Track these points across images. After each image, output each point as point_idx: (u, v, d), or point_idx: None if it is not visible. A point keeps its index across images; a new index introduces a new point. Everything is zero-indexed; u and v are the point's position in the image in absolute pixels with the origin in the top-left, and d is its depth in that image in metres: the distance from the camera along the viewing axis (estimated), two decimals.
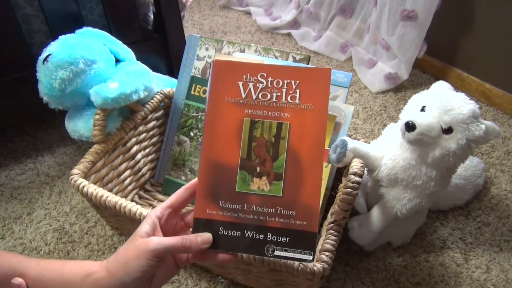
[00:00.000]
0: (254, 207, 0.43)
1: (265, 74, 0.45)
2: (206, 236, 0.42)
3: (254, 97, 0.44)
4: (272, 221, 0.43)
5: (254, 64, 0.46)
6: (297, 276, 0.56)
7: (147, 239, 0.40)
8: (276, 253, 0.43)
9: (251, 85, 0.45)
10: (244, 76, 0.45)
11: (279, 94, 0.44)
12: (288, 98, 0.44)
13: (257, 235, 0.43)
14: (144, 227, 0.42)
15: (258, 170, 0.44)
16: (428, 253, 0.80)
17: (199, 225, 0.43)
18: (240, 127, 0.44)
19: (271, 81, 0.45)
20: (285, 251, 0.43)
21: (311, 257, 0.42)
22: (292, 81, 0.44)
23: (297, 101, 0.44)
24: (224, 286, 0.75)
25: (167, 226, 0.45)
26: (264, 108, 0.44)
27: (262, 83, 0.45)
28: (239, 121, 0.44)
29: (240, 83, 0.45)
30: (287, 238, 0.42)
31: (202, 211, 0.43)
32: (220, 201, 0.43)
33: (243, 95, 0.44)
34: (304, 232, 0.42)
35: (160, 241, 0.40)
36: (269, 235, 0.43)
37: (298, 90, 0.44)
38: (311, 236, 0.42)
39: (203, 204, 0.43)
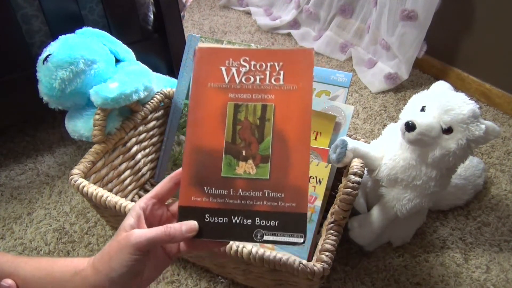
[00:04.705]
0: (241, 192, 0.42)
1: (247, 58, 0.44)
2: (191, 223, 0.41)
3: (237, 81, 0.44)
4: (259, 205, 0.41)
5: (236, 49, 0.45)
6: (297, 276, 0.56)
7: (128, 233, 0.39)
8: (266, 238, 0.41)
9: (234, 69, 0.44)
10: (227, 61, 0.44)
11: (262, 76, 0.44)
12: (272, 80, 0.43)
13: (244, 220, 0.41)
14: (129, 220, 0.41)
15: (243, 153, 0.42)
16: (428, 253, 0.80)
17: (184, 214, 0.42)
18: (224, 111, 0.43)
19: (254, 64, 0.44)
20: (275, 235, 0.41)
21: (302, 240, 0.41)
22: (275, 63, 0.44)
23: (281, 82, 0.43)
24: (224, 286, 0.75)
25: (153, 217, 0.44)
26: (247, 91, 0.43)
27: (245, 67, 0.44)
28: (223, 105, 0.43)
29: (223, 68, 0.44)
30: (276, 222, 0.41)
31: (186, 199, 0.42)
32: (205, 187, 0.42)
33: (226, 80, 0.44)
34: (293, 214, 0.41)
35: (141, 234, 0.39)
36: (257, 219, 0.41)
37: (281, 72, 0.43)
38: (301, 218, 0.41)
39: (188, 191, 0.42)
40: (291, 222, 0.41)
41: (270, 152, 0.42)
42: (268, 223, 0.41)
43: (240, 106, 0.43)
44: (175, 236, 0.40)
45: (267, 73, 0.44)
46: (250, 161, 0.42)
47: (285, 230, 0.41)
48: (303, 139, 0.42)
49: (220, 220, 0.42)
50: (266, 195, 0.42)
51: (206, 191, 0.42)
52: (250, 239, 0.41)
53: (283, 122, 0.42)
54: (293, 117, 0.42)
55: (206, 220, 0.42)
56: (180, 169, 0.43)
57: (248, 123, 0.43)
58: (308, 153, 0.42)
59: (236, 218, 0.41)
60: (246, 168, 0.42)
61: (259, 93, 0.43)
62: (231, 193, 0.42)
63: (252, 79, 0.44)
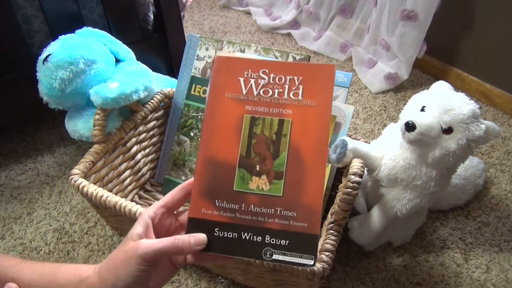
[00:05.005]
0: (253, 207, 0.41)
1: (267, 71, 0.43)
2: (200, 237, 0.40)
3: (255, 93, 0.43)
4: (271, 222, 0.40)
5: (256, 60, 0.45)
6: (297, 276, 0.56)
7: (136, 243, 0.39)
8: (275, 257, 0.40)
9: (252, 81, 0.43)
10: (246, 72, 0.44)
11: (281, 90, 0.43)
12: (291, 95, 0.43)
13: (254, 237, 0.40)
14: (136, 229, 0.40)
15: (257, 168, 0.42)
16: (428, 253, 0.80)
17: (194, 226, 0.41)
18: (240, 123, 0.42)
19: (273, 77, 0.43)
20: (284, 255, 0.40)
21: (312, 262, 0.40)
22: (295, 78, 0.43)
23: (299, 97, 0.42)
24: (224, 286, 0.75)
25: (161, 227, 0.43)
26: (265, 104, 0.43)
27: (264, 79, 0.43)
28: (239, 117, 0.42)
29: (241, 79, 0.43)
30: (287, 241, 0.40)
31: (197, 211, 0.41)
32: (216, 201, 0.41)
33: (244, 91, 0.43)
34: (305, 234, 0.40)
35: (149, 244, 0.38)
36: (268, 237, 0.40)
37: (301, 87, 0.43)
38: (312, 239, 0.40)
39: (199, 203, 0.41)
40: (302, 243, 0.40)
41: (285, 169, 0.41)
42: (278, 241, 0.40)
43: (256, 119, 0.42)
44: (183, 248, 0.39)
45: (286, 87, 0.43)
46: (264, 177, 0.41)
47: (295, 250, 0.40)
48: (319, 158, 0.41)
49: (230, 235, 0.41)
50: (278, 213, 0.41)
51: (217, 204, 0.41)
52: (259, 257, 0.40)
53: (300, 139, 0.41)
54: (310, 134, 0.41)
55: (215, 234, 0.41)
56: (192, 179, 0.43)
57: (264, 138, 0.42)
58: (324, 173, 0.41)
59: (246, 234, 0.41)
60: (259, 184, 0.41)
61: (276, 107, 0.42)
62: (243, 208, 0.41)
63: (271, 92, 0.43)
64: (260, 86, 0.43)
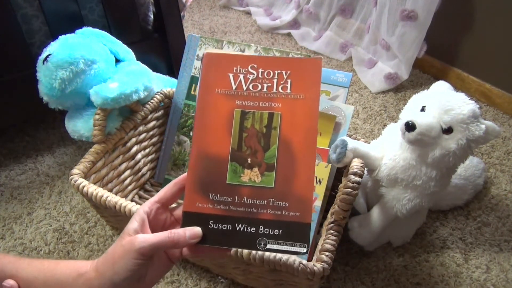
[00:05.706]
0: (245, 199, 0.42)
1: (255, 66, 0.44)
2: (195, 230, 0.41)
3: (244, 88, 0.44)
4: (264, 213, 0.41)
5: (245, 56, 0.45)
6: (297, 276, 0.56)
7: (132, 238, 0.39)
8: (269, 246, 0.41)
9: (241, 76, 0.44)
10: (235, 68, 0.44)
11: (270, 84, 0.44)
12: (279, 88, 0.44)
13: (248, 228, 0.41)
14: (132, 224, 0.41)
15: (249, 161, 0.42)
16: (428, 253, 0.80)
17: (188, 219, 0.42)
18: (230, 118, 0.43)
19: (261, 72, 0.44)
20: (278, 244, 0.41)
21: (305, 250, 0.41)
22: (283, 72, 0.44)
23: (288, 91, 0.43)
24: (224, 286, 0.75)
25: (156, 222, 0.44)
26: (255, 98, 0.44)
27: (253, 74, 0.44)
28: (230, 112, 0.43)
29: (231, 75, 0.44)
30: (280, 231, 0.41)
31: (191, 204, 0.42)
32: (210, 194, 0.42)
33: (234, 87, 0.44)
34: (297, 223, 0.41)
35: (145, 239, 0.39)
36: (261, 228, 0.41)
37: (289, 80, 0.44)
38: (304, 227, 0.41)
39: (193, 197, 0.42)
40: (295, 232, 0.41)
41: (276, 161, 0.42)
42: (271, 231, 0.41)
43: (247, 114, 0.43)
44: (178, 241, 0.40)
45: (275, 81, 0.44)
46: (256, 169, 0.42)
47: (289, 239, 0.41)
48: (309, 149, 0.42)
49: (224, 227, 0.42)
50: (271, 204, 0.42)
51: (210, 198, 0.42)
52: (253, 247, 0.41)
53: (290, 131, 0.42)
54: (300, 126, 0.42)
55: (210, 226, 0.42)
56: (185, 174, 0.43)
57: (254, 131, 0.43)
58: (314, 163, 0.42)
59: (240, 225, 0.41)
60: (251, 176, 0.42)
61: (266, 101, 0.43)
62: (236, 201, 0.42)
63: (260, 86, 0.44)
64: (249, 81, 0.44)
